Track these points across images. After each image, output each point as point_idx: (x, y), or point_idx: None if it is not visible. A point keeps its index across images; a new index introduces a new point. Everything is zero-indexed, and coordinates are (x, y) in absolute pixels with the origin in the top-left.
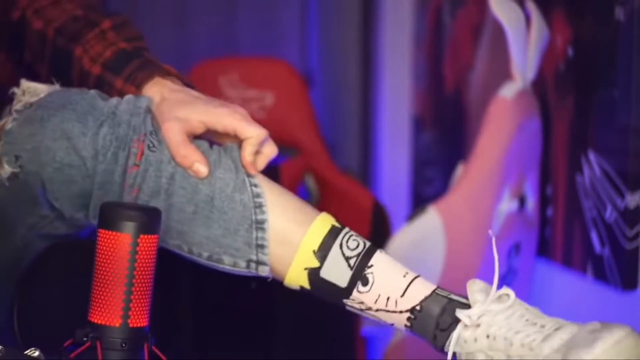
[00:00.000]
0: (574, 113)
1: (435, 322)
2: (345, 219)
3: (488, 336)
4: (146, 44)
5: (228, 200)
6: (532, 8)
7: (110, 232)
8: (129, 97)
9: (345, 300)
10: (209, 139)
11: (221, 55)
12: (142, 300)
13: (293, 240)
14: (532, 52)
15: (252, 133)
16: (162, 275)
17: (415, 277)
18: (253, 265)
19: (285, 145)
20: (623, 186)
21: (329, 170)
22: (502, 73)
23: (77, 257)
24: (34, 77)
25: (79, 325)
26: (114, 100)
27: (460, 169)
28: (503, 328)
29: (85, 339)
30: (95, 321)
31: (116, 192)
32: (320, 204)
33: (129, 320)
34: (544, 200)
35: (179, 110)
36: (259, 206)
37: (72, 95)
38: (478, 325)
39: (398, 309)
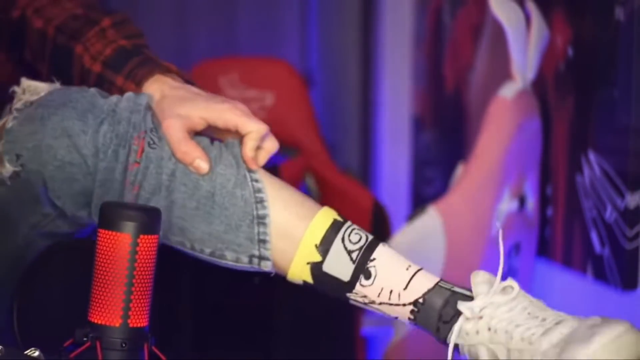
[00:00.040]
0: (574, 113)
1: (438, 314)
2: None
3: (489, 329)
4: (146, 42)
5: (229, 196)
6: (532, 8)
7: (110, 232)
8: (128, 94)
9: (348, 294)
10: (211, 135)
11: (221, 55)
12: (142, 300)
13: (295, 235)
14: (532, 52)
15: (253, 128)
16: (162, 275)
17: (418, 270)
18: (255, 260)
19: (285, 145)
20: (623, 186)
21: (329, 170)
22: (502, 73)
23: (77, 257)
24: (35, 76)
25: (79, 325)
26: (114, 98)
27: (460, 169)
28: (504, 321)
29: (85, 339)
30: (95, 321)
31: (117, 190)
32: (321, 204)
33: (129, 320)
34: (544, 200)
35: (179, 107)
36: (260, 201)
37: (72, 94)
38: (481, 317)
39: (401, 302)
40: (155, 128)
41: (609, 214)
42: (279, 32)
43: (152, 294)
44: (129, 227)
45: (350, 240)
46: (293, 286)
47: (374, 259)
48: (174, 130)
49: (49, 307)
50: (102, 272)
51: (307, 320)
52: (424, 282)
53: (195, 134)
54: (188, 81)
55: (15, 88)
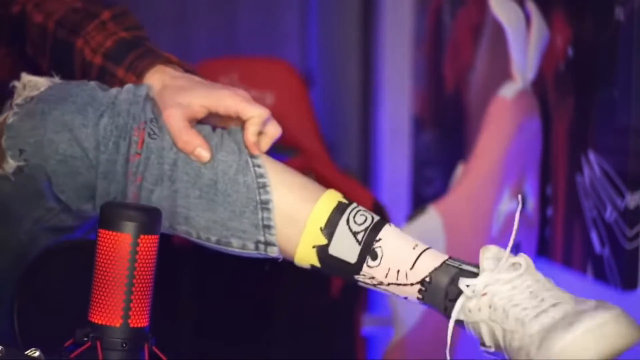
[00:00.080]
0: (574, 113)
1: (444, 292)
2: None
3: (490, 306)
4: (146, 34)
5: (231, 183)
6: (532, 8)
7: (110, 232)
8: (128, 86)
9: (356, 277)
10: (213, 124)
11: (221, 55)
12: (142, 301)
13: (299, 219)
14: (532, 52)
15: (254, 113)
16: (162, 275)
17: (426, 249)
18: (262, 246)
19: (285, 145)
20: (623, 186)
21: (329, 170)
22: (502, 73)
23: (77, 257)
24: (35, 71)
25: (79, 325)
26: (114, 90)
27: (460, 169)
28: (505, 299)
29: (85, 339)
30: (96, 321)
31: (120, 182)
32: None
33: (130, 321)
34: (544, 200)
35: (180, 96)
36: (263, 186)
37: (72, 88)
38: (484, 294)
39: (409, 282)
40: (156, 118)
41: (609, 214)
42: (279, 32)
43: (153, 294)
44: (130, 227)
45: (355, 222)
46: (293, 286)
47: (380, 239)
48: (175, 119)
49: (50, 307)
50: (102, 272)
51: (307, 320)
52: (431, 261)
53: (197, 122)
54: (189, 71)
55: (16, 83)
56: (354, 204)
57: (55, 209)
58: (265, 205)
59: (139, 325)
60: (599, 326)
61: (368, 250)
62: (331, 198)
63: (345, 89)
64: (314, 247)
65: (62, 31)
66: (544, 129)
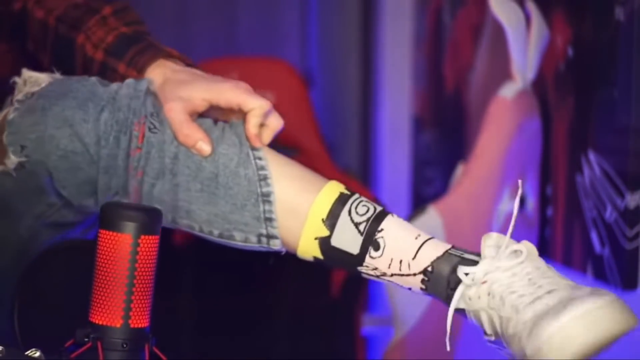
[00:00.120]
0: (574, 113)
1: (446, 281)
2: None
3: (489, 293)
4: (147, 28)
5: (232, 176)
6: (532, 8)
7: (110, 233)
8: (129, 81)
9: (359, 268)
10: (216, 117)
11: (221, 55)
12: (143, 301)
13: (301, 211)
14: (532, 52)
15: (255, 104)
16: (162, 276)
17: (429, 239)
18: (264, 239)
19: (285, 145)
20: (623, 186)
21: (329, 170)
22: (502, 73)
23: (77, 257)
24: (36, 67)
25: (79, 325)
26: (115, 85)
27: (460, 169)
28: (503, 286)
29: (86, 339)
30: (96, 322)
31: (121, 177)
32: None
33: (130, 321)
34: (544, 200)
35: (181, 90)
36: (264, 179)
37: (73, 84)
38: (484, 282)
39: (411, 272)
40: (157, 112)
41: (609, 214)
42: (279, 32)
43: (153, 294)
44: (130, 227)
45: (357, 212)
46: (293, 286)
47: (382, 229)
48: (175, 113)
49: (50, 308)
50: (103, 272)
51: (307, 320)
52: (433, 250)
53: (199, 116)
54: (190, 65)
55: (16, 79)
56: (357, 195)
57: (57, 204)
58: (266, 198)
59: (140, 325)
60: (589, 312)
61: (370, 240)
62: (333, 189)
63: (345, 89)
64: (316, 238)
65: (63, 27)
66: (544, 129)
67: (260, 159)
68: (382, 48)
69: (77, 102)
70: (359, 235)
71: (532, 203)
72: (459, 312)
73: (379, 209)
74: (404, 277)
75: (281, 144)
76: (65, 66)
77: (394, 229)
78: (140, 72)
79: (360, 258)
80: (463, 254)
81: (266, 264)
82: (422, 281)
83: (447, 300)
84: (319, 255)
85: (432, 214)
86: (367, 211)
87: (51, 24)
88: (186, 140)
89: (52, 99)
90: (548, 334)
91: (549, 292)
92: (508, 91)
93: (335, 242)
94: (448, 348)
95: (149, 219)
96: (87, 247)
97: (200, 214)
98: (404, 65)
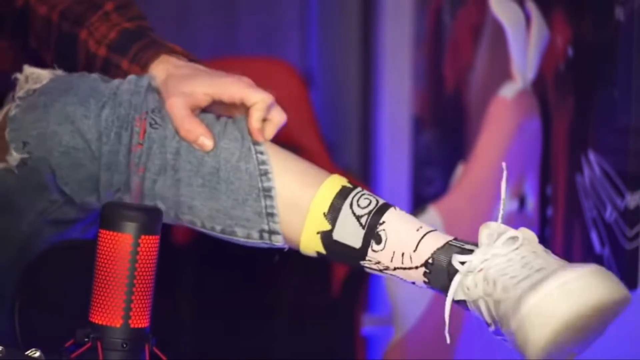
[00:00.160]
0: (574, 113)
1: (446, 273)
2: None
3: (485, 279)
4: (150, 24)
5: (234, 170)
6: (532, 8)
7: (111, 233)
8: (131, 77)
9: (362, 262)
10: (218, 113)
11: (221, 55)
12: (143, 301)
13: (302, 205)
14: (532, 52)
15: (258, 98)
16: (163, 276)
17: (430, 231)
18: (266, 235)
19: (285, 145)
20: (623, 186)
21: (329, 170)
22: (502, 73)
23: (77, 257)
24: (38, 63)
25: (80, 325)
26: (116, 81)
27: (460, 169)
28: (498, 272)
29: (86, 339)
30: (96, 322)
31: (123, 173)
32: None
33: (130, 321)
34: (544, 200)
35: (184, 85)
36: (265, 173)
37: (74, 80)
38: (481, 270)
39: (413, 265)
40: (158, 108)
41: (609, 214)
42: (279, 32)
43: (153, 294)
44: (130, 227)
45: (359, 205)
46: (293, 285)
47: (384, 222)
48: (177, 108)
49: (50, 308)
50: (103, 272)
51: (308, 319)
52: (434, 242)
53: (202, 111)
54: (193, 60)
55: (18, 75)
56: (359, 188)
57: (59, 201)
58: (267, 193)
59: (140, 325)
60: (567, 283)
61: (372, 234)
62: (334, 183)
63: (345, 89)
64: (318, 233)
65: (66, 23)
66: (544, 129)
67: (261, 153)
68: (382, 48)
69: (79, 98)
70: (360, 228)
71: (532, 203)
72: (461, 304)
73: (381, 201)
74: (406, 271)
75: (281, 144)
76: (68, 62)
77: (395, 222)
78: (143, 68)
79: (362, 252)
80: (464, 244)
81: (267, 263)
82: (425, 274)
83: (448, 292)
84: (322, 250)
85: (432, 214)
86: (369, 204)
87: (54, 20)
88: (188, 136)
89: (54, 95)
90: (528, 307)
91: (538, 270)
92: (508, 91)
93: (337, 236)
94: (448, 340)
95: (150, 218)
96: (87, 246)
97: (202, 209)
98: (404, 65)
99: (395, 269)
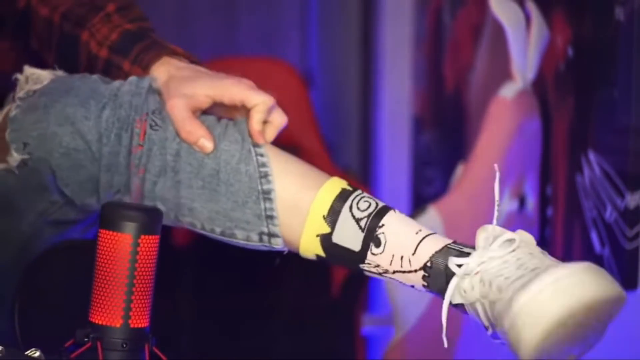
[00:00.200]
0: (574, 113)
1: (444, 276)
2: None
3: (481, 281)
4: (151, 25)
5: (233, 172)
6: (532, 8)
7: (111, 233)
8: (132, 78)
9: (361, 266)
10: (219, 115)
11: (221, 55)
12: (143, 301)
13: (302, 208)
14: (532, 52)
15: (259, 100)
16: (163, 276)
17: (429, 234)
18: (265, 238)
19: (285, 145)
20: (623, 186)
21: (329, 170)
22: (502, 73)
23: (77, 257)
24: (39, 64)
25: (79, 325)
26: (117, 82)
27: (460, 169)
28: (493, 274)
29: (86, 339)
30: (96, 322)
31: (123, 174)
32: None
33: (130, 321)
34: (544, 200)
35: (185, 87)
36: (265, 176)
37: (74, 81)
38: (477, 273)
39: (412, 268)
40: (159, 110)
41: (609, 214)
42: (279, 32)
43: (153, 294)
44: (130, 227)
45: (358, 208)
46: (293, 286)
47: (383, 225)
48: (178, 110)
49: (50, 308)
50: (103, 272)
51: (308, 319)
52: (432, 245)
53: (203, 113)
54: (195, 62)
55: (18, 76)
56: (358, 191)
57: (59, 202)
58: (267, 195)
59: (140, 325)
60: (558, 280)
61: (371, 237)
62: (334, 185)
63: (345, 89)
64: (317, 236)
65: (67, 24)
66: (544, 129)
67: (262, 155)
68: (382, 48)
69: (79, 99)
70: (359, 231)
71: (532, 203)
72: (460, 308)
73: (380, 204)
74: (405, 274)
75: (281, 144)
76: (70, 64)
77: (395, 225)
78: (145, 69)
79: (362, 255)
80: (462, 247)
81: (267, 264)
82: (423, 277)
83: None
84: (321, 253)
85: (432, 214)
86: (369, 207)
87: (56, 21)
88: (188, 137)
89: (54, 96)
90: (519, 305)
91: (532, 269)
92: (508, 91)
93: (336, 238)
94: (445, 344)
95: (149, 218)
96: (87, 247)
97: (202, 211)
98: (404, 65)
99: (394, 272)
